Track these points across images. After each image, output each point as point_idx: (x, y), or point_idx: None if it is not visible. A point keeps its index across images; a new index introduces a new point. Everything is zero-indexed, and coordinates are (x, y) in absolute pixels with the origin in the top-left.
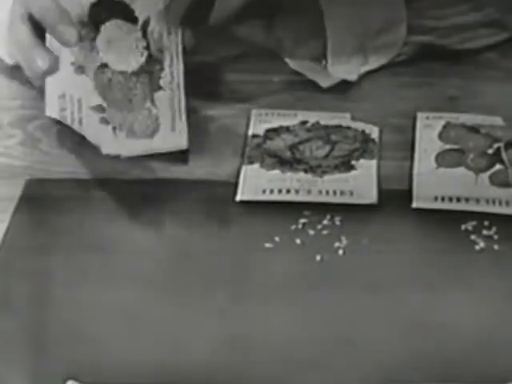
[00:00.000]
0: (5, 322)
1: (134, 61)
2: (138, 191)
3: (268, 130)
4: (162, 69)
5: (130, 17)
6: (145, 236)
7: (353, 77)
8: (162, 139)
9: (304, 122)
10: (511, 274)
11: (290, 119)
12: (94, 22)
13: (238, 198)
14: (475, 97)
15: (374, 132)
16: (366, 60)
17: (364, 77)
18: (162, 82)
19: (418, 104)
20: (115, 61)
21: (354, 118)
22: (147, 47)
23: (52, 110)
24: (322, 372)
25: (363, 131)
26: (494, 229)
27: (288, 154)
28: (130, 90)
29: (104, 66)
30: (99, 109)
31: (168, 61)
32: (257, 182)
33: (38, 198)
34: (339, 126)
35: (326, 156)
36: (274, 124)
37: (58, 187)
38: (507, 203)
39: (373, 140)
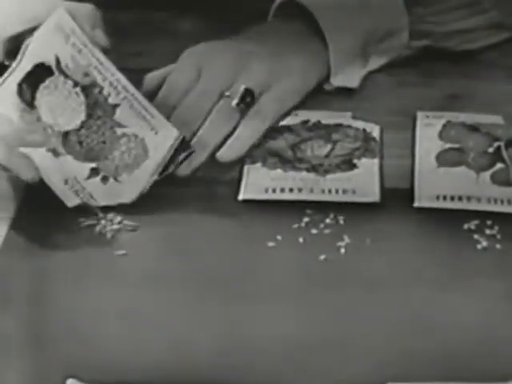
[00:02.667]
0: (6, 321)
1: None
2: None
3: (270, 130)
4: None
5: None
6: (146, 233)
7: (354, 84)
8: (156, 161)
9: (305, 122)
10: None
11: (291, 119)
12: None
13: (241, 197)
14: (475, 96)
15: (375, 131)
16: (366, 63)
17: (365, 76)
18: (110, 99)
19: (419, 103)
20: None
21: (354, 117)
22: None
23: (68, 201)
24: (323, 369)
25: (364, 130)
26: (496, 228)
27: (290, 153)
28: (97, 137)
29: (84, 87)
30: (93, 170)
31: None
32: (259, 181)
33: (40, 198)
34: (340, 125)
35: (328, 155)
36: (276, 123)
37: None
38: (509, 202)
39: (374, 139)
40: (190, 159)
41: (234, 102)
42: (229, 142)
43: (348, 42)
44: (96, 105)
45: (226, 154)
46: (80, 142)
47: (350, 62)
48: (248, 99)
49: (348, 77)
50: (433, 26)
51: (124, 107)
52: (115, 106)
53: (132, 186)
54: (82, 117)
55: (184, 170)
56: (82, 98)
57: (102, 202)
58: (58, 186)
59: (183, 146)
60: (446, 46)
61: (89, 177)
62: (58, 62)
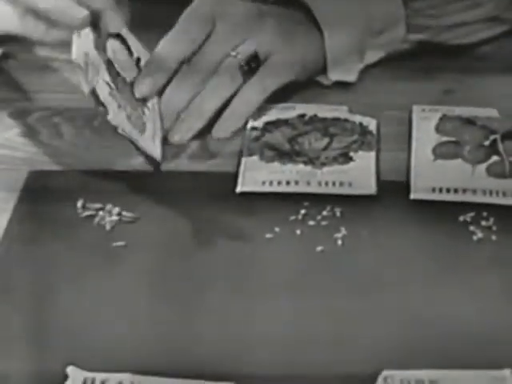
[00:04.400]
0: (6, 310)
1: (130, 76)
2: (139, 183)
3: (267, 123)
4: None
5: (128, 49)
6: (145, 225)
7: (351, 78)
8: (146, 141)
9: (302, 115)
10: (509, 264)
11: (288, 112)
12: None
13: (238, 189)
14: (471, 89)
15: (371, 124)
16: (362, 58)
17: (361, 70)
18: (149, 104)
19: (415, 97)
20: (118, 67)
21: (351, 111)
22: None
23: (78, 58)
24: (320, 359)
25: (361, 123)
26: (491, 219)
27: (287, 146)
28: (128, 91)
29: (111, 62)
30: (109, 85)
31: None
32: (257, 174)
33: (40, 190)
34: (337, 119)
35: (325, 148)
36: (273, 117)
37: (59, 178)
38: (504, 194)
39: (371, 132)
40: (188, 126)
41: (242, 61)
42: (223, 115)
43: (345, 35)
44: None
45: (221, 129)
46: (117, 73)
47: (347, 55)
48: (253, 64)
49: (345, 71)
50: (430, 19)
51: (148, 114)
52: (146, 106)
53: None
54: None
55: (181, 136)
56: None
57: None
58: None
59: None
60: (442, 40)
61: None
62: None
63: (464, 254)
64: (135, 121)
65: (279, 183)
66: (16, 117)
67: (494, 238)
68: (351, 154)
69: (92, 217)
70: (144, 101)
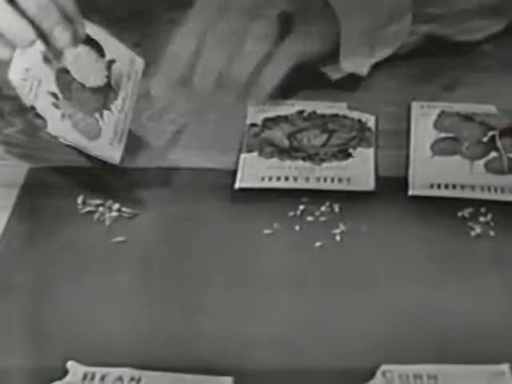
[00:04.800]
0: (7, 305)
1: (94, 81)
2: (139, 179)
3: (266, 120)
4: (115, 98)
5: (99, 51)
6: (144, 221)
7: (363, 71)
8: (100, 147)
9: (301, 112)
10: (507, 259)
11: (288, 109)
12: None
13: (237, 185)
14: (470, 86)
15: (370, 121)
16: (372, 52)
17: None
18: (112, 107)
19: (414, 93)
20: (77, 73)
21: (350, 108)
22: (108, 77)
23: (15, 75)
24: (320, 353)
25: (360, 120)
26: (490, 215)
27: (286, 142)
28: (84, 97)
29: (66, 71)
30: (54, 96)
31: (122, 95)
32: (256, 170)
33: (40, 185)
34: (336, 115)
35: (324, 144)
36: (272, 113)
37: (59, 175)
38: (502, 190)
39: (369, 129)
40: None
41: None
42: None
43: (358, 23)
44: (102, 95)
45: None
46: (69, 82)
47: (359, 47)
48: (286, 19)
49: (357, 63)
50: (435, 8)
51: (111, 117)
52: (109, 109)
53: None
54: (93, 84)
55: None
56: (101, 83)
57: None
58: None
59: None
60: (448, 34)
61: None
62: (111, 61)
63: (462, 249)
64: (86, 127)
65: (278, 179)
66: (16, 114)
67: (492, 233)
68: (350, 150)
69: (92, 213)
70: (105, 104)
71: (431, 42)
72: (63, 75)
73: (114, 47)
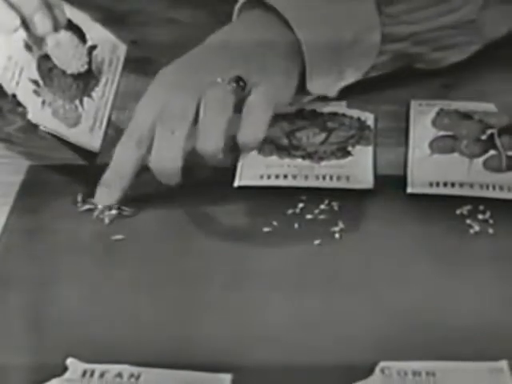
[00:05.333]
0: (6, 302)
1: (75, 67)
2: (138, 177)
3: None
4: (96, 84)
5: (81, 37)
6: (143, 219)
7: (332, 92)
8: (79, 134)
9: (300, 110)
10: (505, 256)
11: (287, 107)
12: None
13: (237, 183)
14: (469, 84)
15: (369, 119)
16: (341, 74)
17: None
18: (93, 94)
19: (413, 92)
20: (58, 59)
21: (349, 106)
22: (89, 63)
23: None
24: (319, 350)
25: (359, 118)
26: (488, 213)
27: (285, 140)
28: (65, 83)
29: (48, 57)
30: (35, 83)
31: (103, 81)
32: (255, 168)
33: (40, 183)
34: (335, 114)
35: (323, 142)
36: None
37: (58, 173)
38: (501, 188)
39: (368, 127)
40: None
41: (231, 82)
42: (241, 125)
43: (321, 42)
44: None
45: (244, 137)
46: (50, 69)
47: (326, 67)
48: (241, 83)
49: (324, 84)
50: (405, 26)
51: (91, 104)
52: (89, 96)
53: None
54: (74, 70)
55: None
56: (82, 69)
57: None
58: None
59: None
60: (421, 53)
61: None
62: (92, 47)
63: (461, 247)
64: (65, 114)
65: (277, 177)
66: (16, 111)
67: (490, 231)
68: (349, 148)
69: (91, 211)
70: (86, 91)
71: (402, 63)
72: (44, 62)
73: (95, 32)
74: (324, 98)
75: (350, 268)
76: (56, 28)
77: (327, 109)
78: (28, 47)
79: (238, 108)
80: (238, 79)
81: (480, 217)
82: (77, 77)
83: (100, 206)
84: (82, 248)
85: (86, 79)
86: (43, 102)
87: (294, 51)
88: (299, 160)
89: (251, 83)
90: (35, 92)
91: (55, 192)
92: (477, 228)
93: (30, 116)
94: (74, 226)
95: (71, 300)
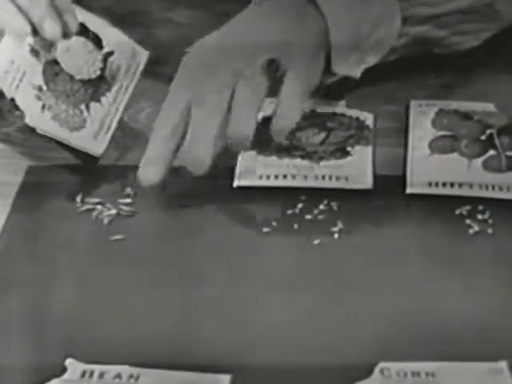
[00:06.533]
0: (5, 303)
1: (85, 73)
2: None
3: (264, 118)
4: (108, 90)
5: (96, 43)
6: (143, 219)
7: (356, 73)
8: (82, 138)
9: None
10: (505, 257)
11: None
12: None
13: (236, 183)
14: (469, 85)
15: (368, 119)
16: (364, 56)
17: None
18: (103, 99)
19: (412, 92)
20: (67, 65)
21: (348, 106)
22: (102, 69)
23: None
24: (318, 350)
25: (358, 118)
26: (487, 213)
27: (285, 141)
28: (71, 88)
29: (55, 62)
30: (38, 88)
31: (117, 87)
32: (254, 168)
33: (39, 183)
34: (334, 114)
35: (322, 142)
36: (271, 112)
37: (58, 173)
38: (500, 188)
39: (367, 127)
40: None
41: (263, 67)
42: (277, 112)
43: (347, 26)
44: (92, 87)
45: (279, 124)
46: (57, 73)
47: (350, 50)
48: (274, 67)
49: (348, 65)
50: (425, 8)
51: (100, 110)
52: (98, 101)
53: None
54: (85, 76)
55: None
56: (94, 75)
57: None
58: None
59: None
60: (439, 37)
61: None
62: (108, 53)
63: (460, 247)
64: (68, 118)
65: (276, 177)
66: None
67: (490, 231)
68: (348, 148)
69: (90, 211)
70: (94, 96)
71: (421, 46)
72: (51, 67)
73: (114, 38)
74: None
75: (349, 268)
76: (67, 34)
77: (326, 109)
78: (34, 52)
79: (270, 92)
80: (271, 62)
81: (479, 217)
82: (86, 82)
83: (99, 207)
84: (82, 248)
85: (97, 85)
86: (43, 106)
87: (321, 33)
88: (298, 160)
89: (283, 66)
90: (36, 96)
91: (55, 192)
92: (476, 228)
93: (27, 120)
94: (73, 226)
95: (71, 300)
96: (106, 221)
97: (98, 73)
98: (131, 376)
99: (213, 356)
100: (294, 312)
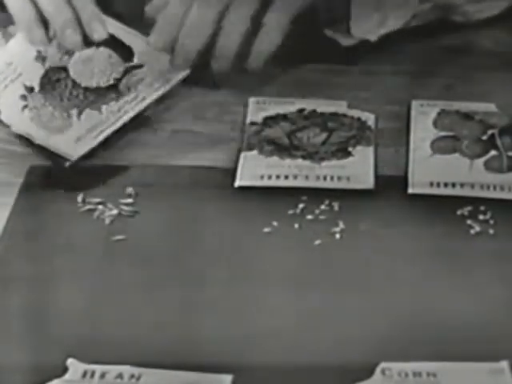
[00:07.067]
0: (6, 303)
1: (95, 82)
2: (139, 177)
3: (266, 118)
4: (115, 99)
5: (125, 55)
6: (144, 219)
7: (373, 36)
8: (58, 141)
9: (301, 110)
10: (506, 257)
11: (288, 107)
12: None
13: (237, 183)
14: (470, 85)
15: (370, 119)
16: (384, 20)
17: (360, 64)
18: (104, 107)
19: (414, 92)
20: (77, 73)
21: (350, 106)
22: (118, 80)
23: None
24: (319, 350)
25: (359, 118)
26: (489, 213)
27: (286, 141)
28: (70, 93)
29: (63, 68)
30: (29, 89)
31: (128, 98)
32: (255, 168)
33: (40, 184)
34: (336, 114)
35: (324, 143)
36: (272, 112)
37: (59, 173)
38: (502, 188)
39: (369, 127)
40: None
41: None
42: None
43: None
44: (96, 95)
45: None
46: (58, 79)
47: (370, 12)
48: None
49: (366, 28)
50: None
51: (94, 117)
52: (98, 109)
53: None
54: (93, 84)
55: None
56: (104, 84)
57: None
58: None
59: None
60: (455, 3)
61: None
62: (136, 66)
63: (462, 247)
64: (49, 120)
65: (278, 177)
66: None
67: (491, 231)
68: (350, 148)
69: (92, 211)
70: (93, 104)
71: (442, 14)
72: (55, 72)
73: (149, 53)
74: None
75: (350, 268)
76: (89, 42)
77: (328, 109)
78: (41, 58)
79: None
80: None
81: (481, 217)
82: (91, 89)
83: (100, 207)
84: (83, 248)
85: (102, 94)
86: (25, 106)
87: None
88: (300, 160)
89: None
90: (22, 96)
91: (55, 192)
92: (477, 228)
93: (2, 117)
94: (74, 227)
95: (71, 300)
96: (107, 221)
97: (110, 82)
98: (132, 376)
99: (214, 356)
100: (295, 312)
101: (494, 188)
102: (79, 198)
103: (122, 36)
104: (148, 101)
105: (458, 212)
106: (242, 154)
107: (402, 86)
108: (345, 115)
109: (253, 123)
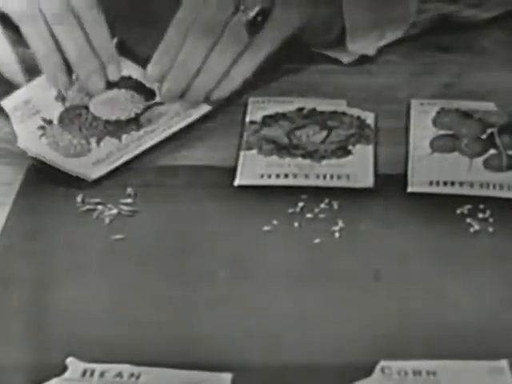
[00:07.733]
0: (6, 302)
1: (116, 116)
2: (139, 177)
3: (265, 117)
4: (135, 130)
5: (147, 94)
6: (144, 218)
7: (371, 51)
8: (75, 164)
9: (301, 109)
10: (506, 255)
11: (287, 106)
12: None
13: (237, 182)
14: (470, 84)
15: (369, 118)
16: (382, 34)
17: (360, 64)
18: (123, 136)
19: (414, 91)
20: (97, 111)
21: (349, 105)
22: (140, 115)
23: (8, 102)
24: (319, 348)
25: (359, 117)
26: (488, 212)
27: (285, 139)
28: (90, 125)
29: (84, 107)
30: (47, 121)
31: (148, 129)
32: (255, 167)
33: (40, 183)
34: (335, 112)
35: (323, 141)
36: (271, 111)
37: (58, 173)
38: (501, 187)
39: (368, 126)
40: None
41: (250, 15)
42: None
43: (362, 5)
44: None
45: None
46: (79, 114)
47: (367, 29)
48: (259, 18)
49: (364, 44)
50: None
51: (112, 146)
52: (118, 138)
53: None
54: (112, 118)
55: (195, 97)
56: (124, 118)
57: None
58: None
59: None
60: (453, 10)
61: None
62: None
63: (461, 246)
64: (67, 147)
65: (277, 176)
66: None
67: (490, 230)
68: (349, 147)
69: (91, 211)
70: (113, 133)
71: (441, 21)
72: (75, 109)
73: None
74: None
75: (349, 267)
76: (109, 86)
77: (328, 107)
78: (61, 98)
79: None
80: (260, 11)
81: (480, 216)
82: (111, 122)
83: (100, 207)
84: (82, 248)
85: (122, 126)
86: (43, 134)
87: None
88: (299, 159)
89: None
90: (40, 127)
91: (55, 192)
92: (477, 227)
93: (19, 143)
94: (73, 226)
95: (71, 300)
96: (106, 220)
97: (131, 116)
98: (132, 375)
99: (214, 355)
100: (294, 311)
101: (494, 187)
102: (79, 198)
103: (139, 78)
104: (169, 131)
105: (458, 210)
106: (242, 153)
107: (401, 85)
108: (344, 114)
109: (252, 122)
